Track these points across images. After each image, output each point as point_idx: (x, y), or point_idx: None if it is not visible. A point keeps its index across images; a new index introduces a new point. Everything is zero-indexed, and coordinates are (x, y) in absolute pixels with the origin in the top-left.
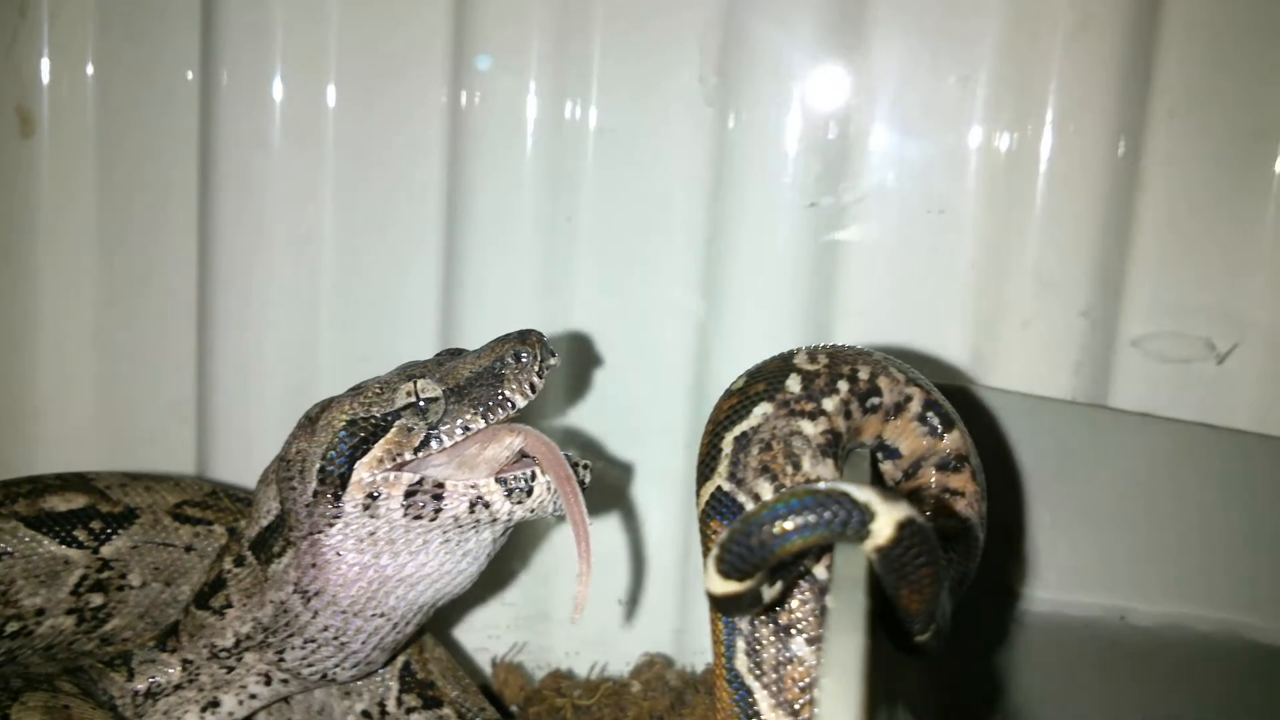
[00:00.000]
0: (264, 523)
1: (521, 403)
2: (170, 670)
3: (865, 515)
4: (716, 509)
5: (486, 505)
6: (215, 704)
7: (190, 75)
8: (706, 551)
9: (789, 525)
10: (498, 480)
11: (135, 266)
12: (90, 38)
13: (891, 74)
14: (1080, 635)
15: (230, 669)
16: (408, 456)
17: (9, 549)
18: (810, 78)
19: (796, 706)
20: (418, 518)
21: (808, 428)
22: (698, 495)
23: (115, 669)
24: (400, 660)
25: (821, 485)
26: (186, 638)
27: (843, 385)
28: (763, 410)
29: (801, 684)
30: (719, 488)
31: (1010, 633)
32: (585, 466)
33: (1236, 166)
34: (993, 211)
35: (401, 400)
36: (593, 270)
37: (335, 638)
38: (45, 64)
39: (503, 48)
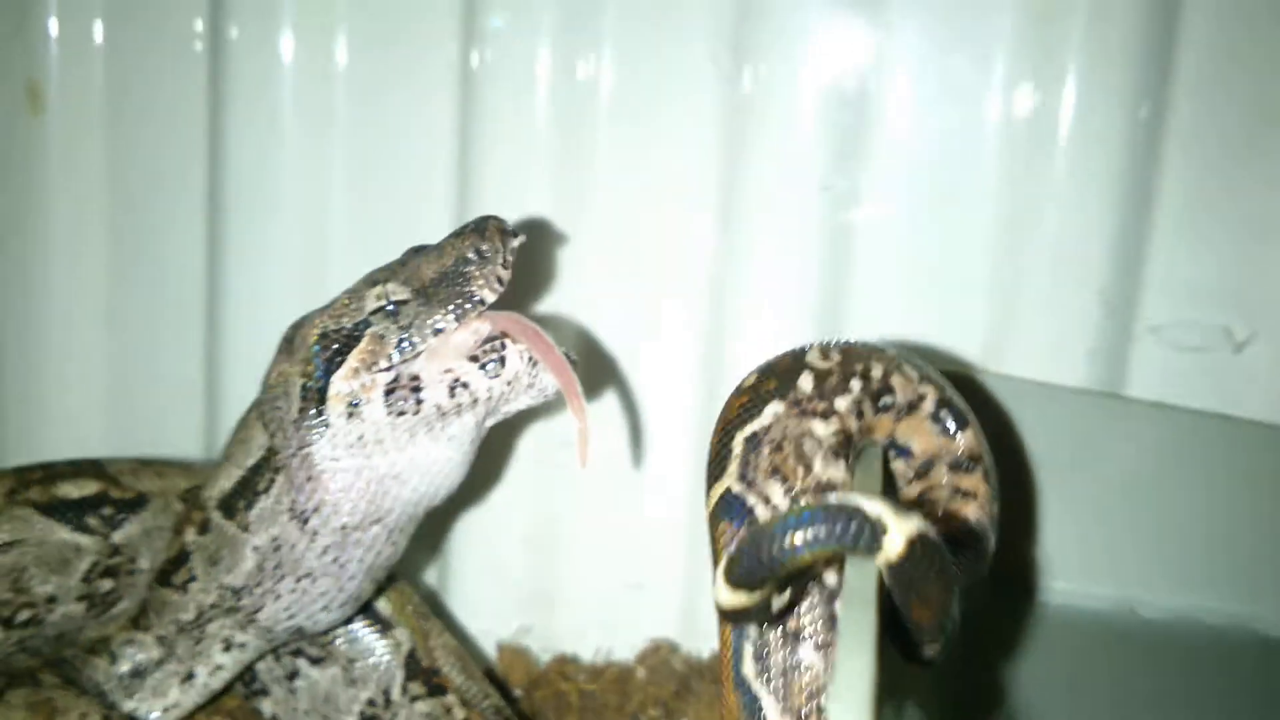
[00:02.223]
0: (235, 476)
1: (491, 298)
2: (151, 649)
3: (877, 529)
4: (726, 510)
5: (465, 385)
6: (191, 675)
7: (199, 45)
8: (715, 553)
9: (799, 538)
10: (470, 359)
11: (144, 244)
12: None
13: (909, 48)
14: (1090, 627)
15: (197, 640)
16: (383, 364)
17: (22, 536)
18: (825, 50)
19: (804, 713)
20: (401, 414)
21: (819, 428)
22: (707, 495)
23: (98, 655)
24: (406, 648)
25: (833, 498)
26: (154, 615)
27: (855, 384)
28: (774, 410)
29: (809, 690)
30: (729, 489)
31: (1019, 624)
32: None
33: (1257, 154)
34: (1011, 190)
35: (371, 305)
36: (604, 237)
37: (334, 560)
38: (54, 36)
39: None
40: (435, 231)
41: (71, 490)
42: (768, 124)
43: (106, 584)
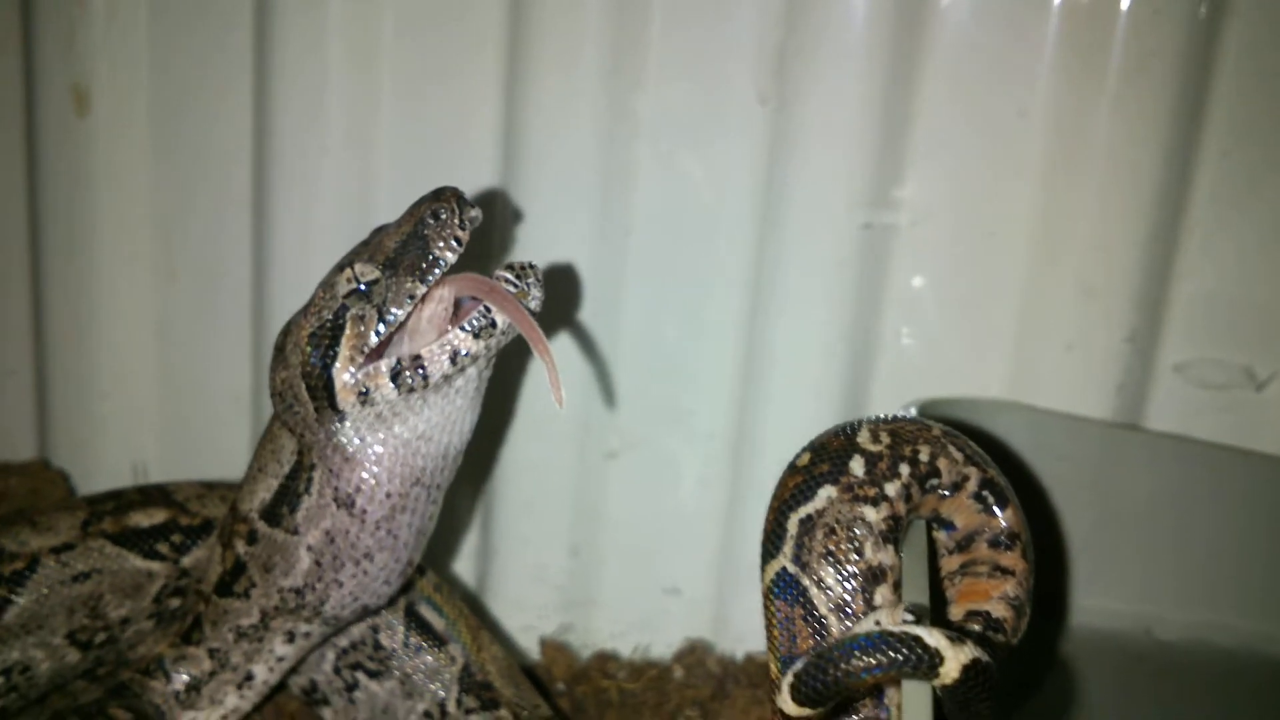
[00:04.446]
0: (273, 486)
1: (451, 258)
2: (203, 663)
3: (935, 659)
4: (782, 591)
5: (465, 353)
6: (249, 677)
7: (244, 36)
8: (769, 629)
9: (862, 664)
10: (461, 329)
11: (192, 249)
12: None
13: (946, 90)
14: (1105, 649)
15: (259, 640)
16: (373, 341)
17: (98, 567)
18: (864, 93)
19: None
20: (411, 390)
21: (870, 514)
22: (762, 572)
23: (152, 676)
24: (460, 662)
25: (894, 628)
26: (209, 627)
27: (904, 469)
28: (827, 494)
29: None
30: (784, 569)
31: (1037, 645)
32: (528, 268)
33: None
34: (1045, 227)
35: (344, 289)
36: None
37: (387, 532)
38: (101, 40)
39: None
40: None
41: (142, 519)
42: (806, 149)
43: (175, 601)
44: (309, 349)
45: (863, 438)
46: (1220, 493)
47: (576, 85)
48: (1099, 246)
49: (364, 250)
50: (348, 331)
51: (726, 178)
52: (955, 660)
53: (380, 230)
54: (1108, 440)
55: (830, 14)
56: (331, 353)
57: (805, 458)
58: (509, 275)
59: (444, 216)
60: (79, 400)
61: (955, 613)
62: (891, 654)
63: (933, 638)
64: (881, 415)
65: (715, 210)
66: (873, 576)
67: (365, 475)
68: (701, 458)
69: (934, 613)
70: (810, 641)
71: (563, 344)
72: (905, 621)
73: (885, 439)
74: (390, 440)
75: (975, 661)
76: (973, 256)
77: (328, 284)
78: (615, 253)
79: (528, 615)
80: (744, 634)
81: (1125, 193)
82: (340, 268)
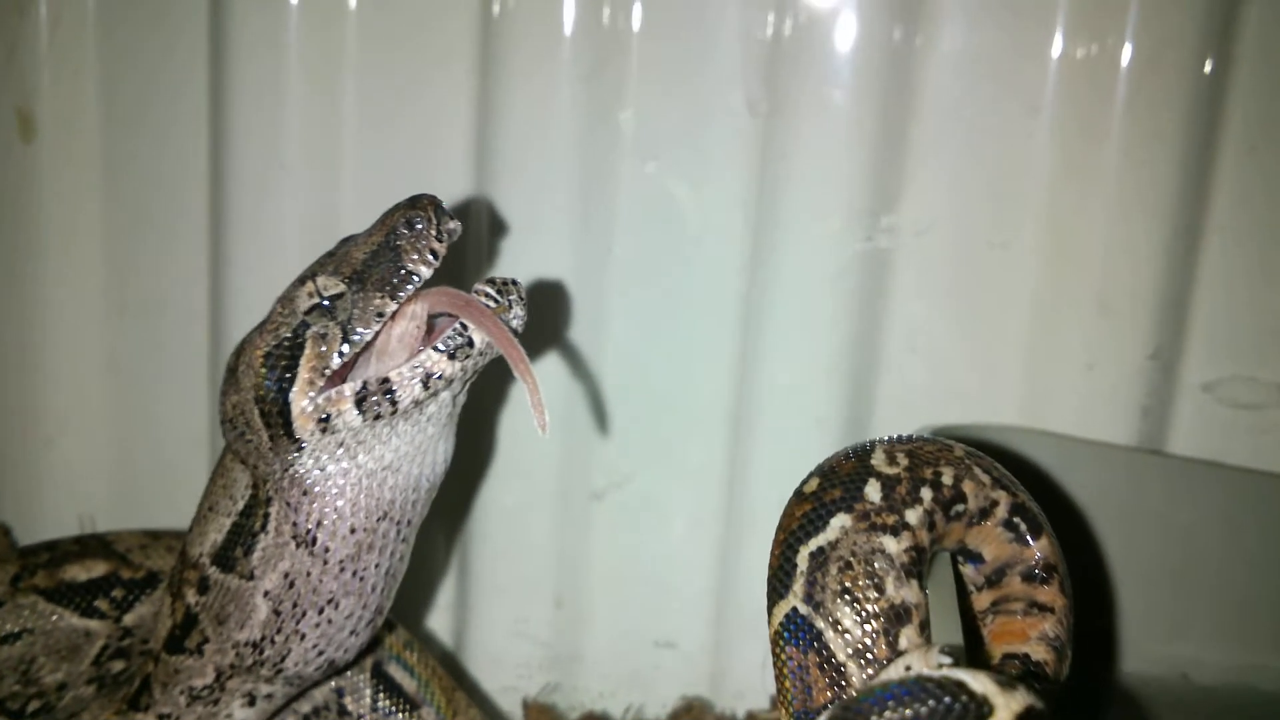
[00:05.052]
0: (225, 526)
1: (426, 272)
2: None
3: (983, 707)
4: (792, 635)
5: (439, 376)
6: None
7: (200, 55)
8: (780, 680)
9: (897, 715)
10: (435, 350)
11: (144, 280)
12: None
13: (950, 89)
14: (1139, 694)
15: (215, 702)
16: (335, 363)
17: (29, 626)
18: (860, 90)
19: None
20: (378, 417)
21: (890, 545)
22: (769, 614)
23: None
24: None
25: (932, 672)
26: (159, 690)
27: (926, 493)
28: (840, 523)
29: None
30: (794, 609)
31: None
32: (510, 284)
33: None
34: (1057, 242)
35: (304, 304)
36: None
37: (353, 574)
38: (44, 59)
39: None
40: None
41: (79, 573)
42: (799, 157)
43: (118, 665)
44: (264, 370)
45: (877, 460)
46: (1256, 522)
47: (553, 96)
48: (1115, 254)
49: (329, 262)
50: (308, 352)
51: (715, 191)
52: (1007, 709)
53: (348, 240)
54: (1133, 467)
55: (822, 12)
56: (289, 375)
57: (813, 483)
58: (489, 290)
59: (419, 226)
60: (21, 446)
61: (988, 657)
62: (932, 703)
63: (979, 682)
64: (895, 435)
65: (703, 226)
66: (896, 616)
67: (327, 509)
68: (693, 495)
69: (969, 656)
70: (828, 693)
71: (541, 371)
72: (942, 665)
73: (903, 460)
74: (354, 471)
75: (1029, 710)
76: (979, 270)
77: (287, 298)
78: (597, 273)
79: (508, 674)
80: (744, 690)
81: (1142, 195)
82: (301, 280)
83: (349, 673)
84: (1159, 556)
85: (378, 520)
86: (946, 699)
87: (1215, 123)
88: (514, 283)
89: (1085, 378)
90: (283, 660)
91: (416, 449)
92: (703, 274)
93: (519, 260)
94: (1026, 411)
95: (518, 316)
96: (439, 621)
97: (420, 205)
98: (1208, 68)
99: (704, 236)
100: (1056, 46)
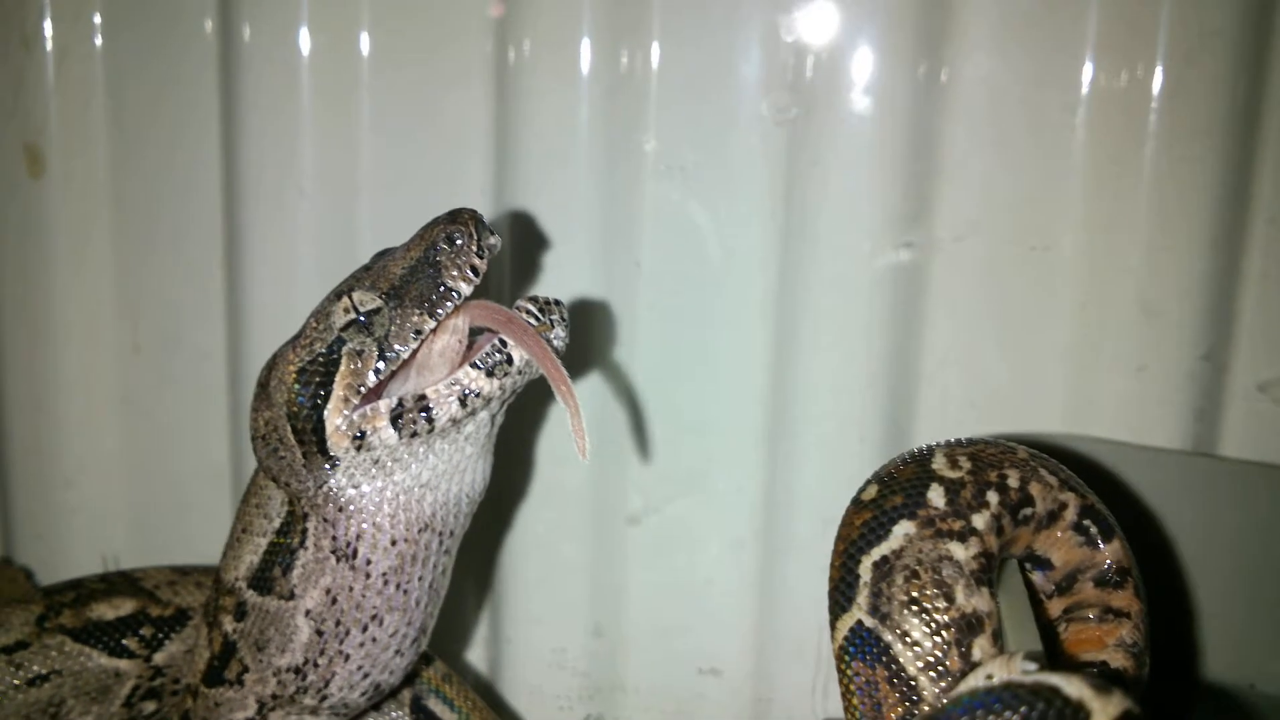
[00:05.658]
0: (261, 546)
1: (466, 290)
2: None
3: (1080, 713)
4: (859, 650)
5: (477, 394)
6: None
7: (210, 100)
8: (848, 695)
9: None
10: (473, 366)
11: (159, 314)
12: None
13: (984, 92)
14: (1204, 705)
15: None
16: (370, 381)
17: (57, 668)
18: (890, 98)
19: None
20: (414, 435)
21: (958, 551)
22: (832, 628)
23: None
24: None
25: (1022, 679)
26: None
27: (992, 497)
28: (904, 530)
29: None
30: (859, 622)
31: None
32: (552, 303)
33: None
34: (1098, 243)
35: (340, 320)
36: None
37: (397, 587)
38: (52, 95)
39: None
40: None
41: (107, 611)
42: (829, 163)
43: (149, 705)
44: (297, 386)
45: (938, 463)
46: None
47: (574, 113)
48: (1158, 255)
49: (365, 276)
50: (342, 368)
51: (742, 202)
52: (1104, 713)
53: (384, 254)
54: (1188, 471)
55: (850, 12)
56: (323, 392)
57: (872, 490)
58: (530, 307)
59: (459, 242)
60: (40, 487)
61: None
62: (1025, 709)
63: (1073, 686)
64: (955, 439)
65: (731, 239)
66: (968, 626)
67: (365, 524)
68: (732, 516)
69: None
70: (900, 709)
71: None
72: (1026, 671)
73: (965, 464)
74: (391, 488)
75: (1127, 714)
76: (1019, 275)
77: (321, 313)
78: (624, 292)
79: (548, 706)
80: (794, 716)
81: (1183, 193)
82: (337, 295)
83: (389, 708)
84: (1218, 562)
85: (419, 532)
86: (1041, 705)
87: (1256, 116)
88: (557, 302)
89: (1134, 382)
90: (326, 685)
91: (455, 468)
92: (733, 292)
93: (543, 281)
94: (1072, 419)
95: (559, 337)
96: (475, 654)
97: (461, 219)
98: (1249, 59)
99: (732, 255)
100: (1091, 39)
